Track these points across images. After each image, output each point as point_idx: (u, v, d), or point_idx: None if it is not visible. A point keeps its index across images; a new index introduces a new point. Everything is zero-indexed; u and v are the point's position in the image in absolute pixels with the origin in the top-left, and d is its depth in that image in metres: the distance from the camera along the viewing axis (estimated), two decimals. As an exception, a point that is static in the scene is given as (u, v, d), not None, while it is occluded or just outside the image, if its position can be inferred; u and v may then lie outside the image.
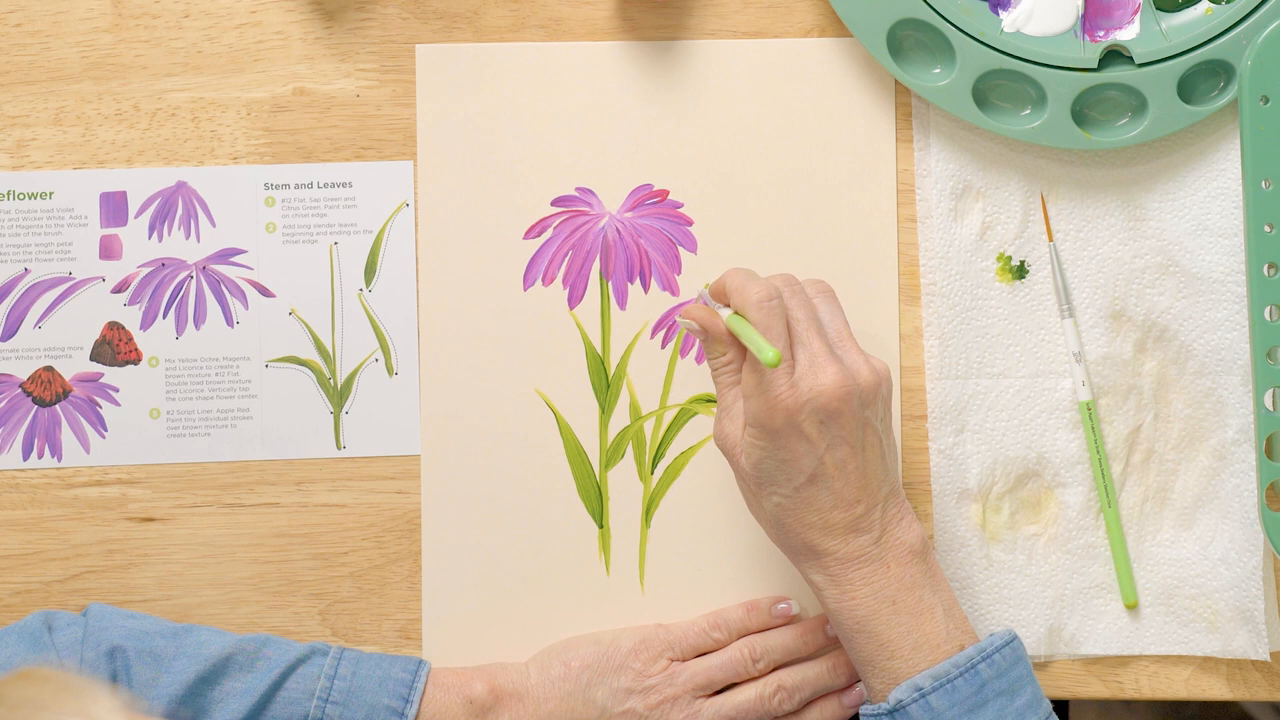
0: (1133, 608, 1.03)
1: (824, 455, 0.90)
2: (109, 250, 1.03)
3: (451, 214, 1.03)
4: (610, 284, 1.03)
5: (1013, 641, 0.92)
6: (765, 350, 0.87)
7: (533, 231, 1.03)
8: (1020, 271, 1.03)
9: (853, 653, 0.93)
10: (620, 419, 1.03)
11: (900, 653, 0.91)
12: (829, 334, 0.93)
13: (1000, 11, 1.01)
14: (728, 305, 0.95)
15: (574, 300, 1.03)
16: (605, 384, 1.03)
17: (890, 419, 0.94)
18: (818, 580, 0.93)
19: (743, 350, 0.93)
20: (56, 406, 1.03)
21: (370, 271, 1.03)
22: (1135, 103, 1.01)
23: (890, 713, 0.90)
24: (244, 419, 1.03)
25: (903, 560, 0.92)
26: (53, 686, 0.65)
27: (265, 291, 1.03)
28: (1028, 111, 1.02)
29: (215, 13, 1.03)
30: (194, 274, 1.03)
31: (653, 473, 1.03)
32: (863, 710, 0.93)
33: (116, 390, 1.03)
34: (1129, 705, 1.57)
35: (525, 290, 1.03)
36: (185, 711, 0.94)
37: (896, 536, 0.92)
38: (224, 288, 1.03)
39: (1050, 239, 1.03)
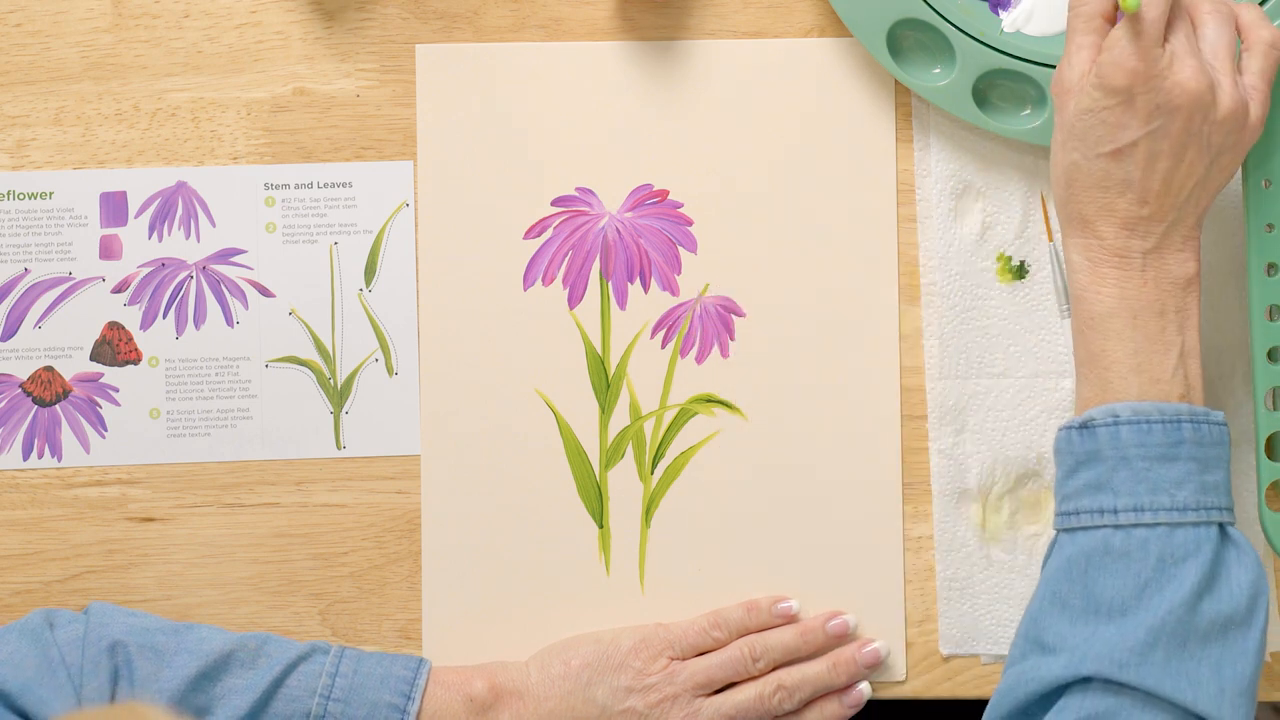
0: (1133, 608, 1.03)
1: (1141, 138, 0.88)
2: (109, 250, 1.03)
3: (451, 214, 1.03)
4: (610, 284, 1.03)
5: (1223, 428, 0.89)
6: None
7: (533, 231, 1.03)
8: (1020, 271, 1.03)
9: (1077, 348, 0.91)
10: (620, 419, 1.03)
11: (1118, 368, 0.89)
12: (1208, 48, 0.89)
13: (1000, 11, 1.01)
14: None
15: (574, 300, 1.03)
16: (605, 384, 1.03)
17: (1231, 161, 0.90)
18: (1075, 259, 0.90)
19: (1107, 2, 0.90)
20: (56, 406, 1.03)
21: (370, 271, 1.03)
22: (1135, 103, 1.01)
23: (1080, 427, 0.88)
24: (244, 419, 1.03)
25: (1163, 284, 0.89)
26: None
27: (265, 291, 1.03)
28: (1028, 111, 1.02)
29: (215, 13, 1.03)
30: (194, 274, 1.03)
31: (653, 473, 1.03)
32: (1059, 431, 0.90)
33: (116, 390, 1.03)
34: (1129, 706, 1.56)
35: (525, 290, 1.03)
36: (188, 707, 0.94)
37: (1169, 261, 0.89)
38: (224, 288, 1.03)
39: (1050, 239, 1.03)
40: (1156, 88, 0.87)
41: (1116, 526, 0.87)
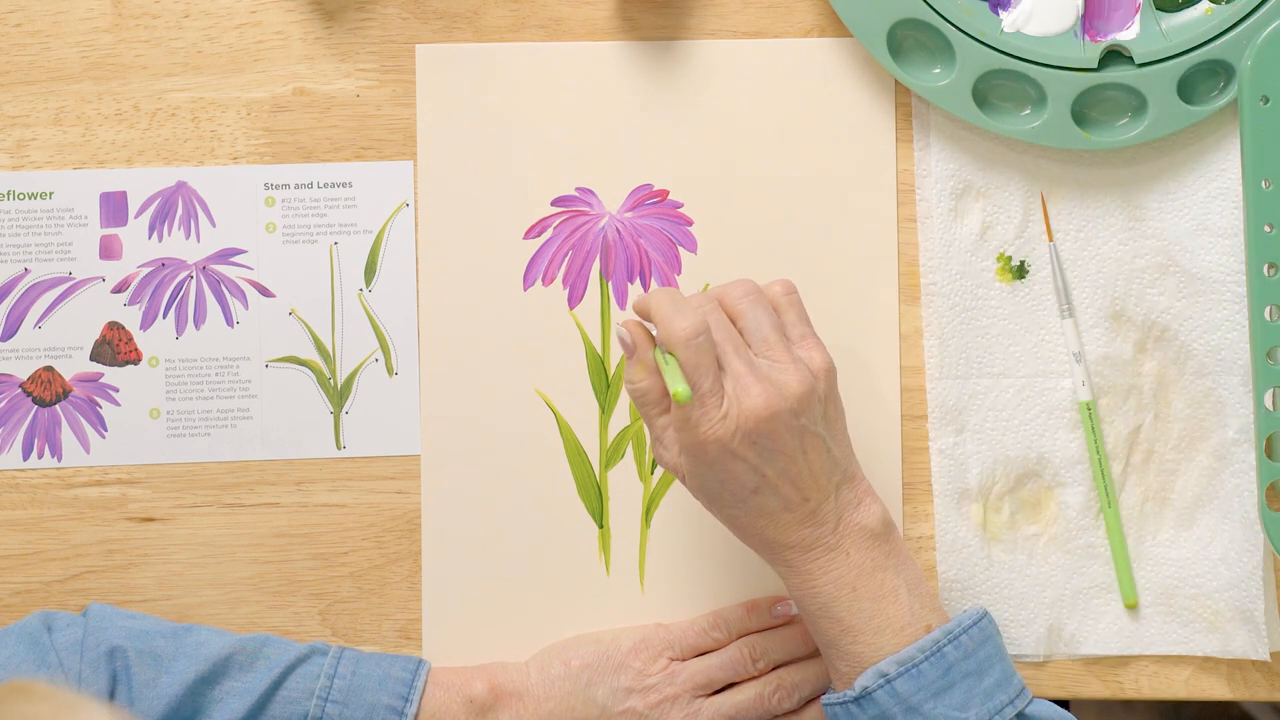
0: (1133, 608, 1.03)
1: (764, 470, 0.89)
2: (109, 250, 1.03)
3: (451, 214, 1.03)
4: (610, 284, 1.03)
5: (981, 620, 0.91)
6: (674, 385, 0.87)
7: (533, 231, 1.03)
8: (1020, 271, 1.03)
9: (816, 636, 0.93)
10: (620, 419, 1.03)
11: (863, 637, 0.90)
12: (755, 344, 0.91)
13: (1000, 11, 1.01)
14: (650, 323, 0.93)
15: (574, 300, 1.03)
16: (605, 384, 1.03)
17: (835, 410, 0.92)
18: (780, 570, 0.93)
19: (661, 380, 0.91)
20: (56, 406, 1.03)
21: (370, 271, 1.03)
22: (1135, 103, 1.01)
23: (856, 699, 0.90)
24: (244, 419, 1.03)
25: (861, 545, 0.91)
26: (51, 704, 0.64)
27: (265, 291, 1.03)
28: (1028, 111, 1.02)
29: (215, 13, 1.03)
30: (194, 274, 1.03)
31: (653, 473, 1.03)
32: (825, 699, 0.92)
33: (116, 390, 1.03)
34: (1129, 705, 1.57)
35: (525, 290, 1.03)
36: (185, 711, 0.94)
37: (854, 521, 0.91)
38: (224, 288, 1.03)
39: (1050, 239, 1.03)
40: (744, 432, 0.88)
41: None
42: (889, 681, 0.89)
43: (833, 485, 0.91)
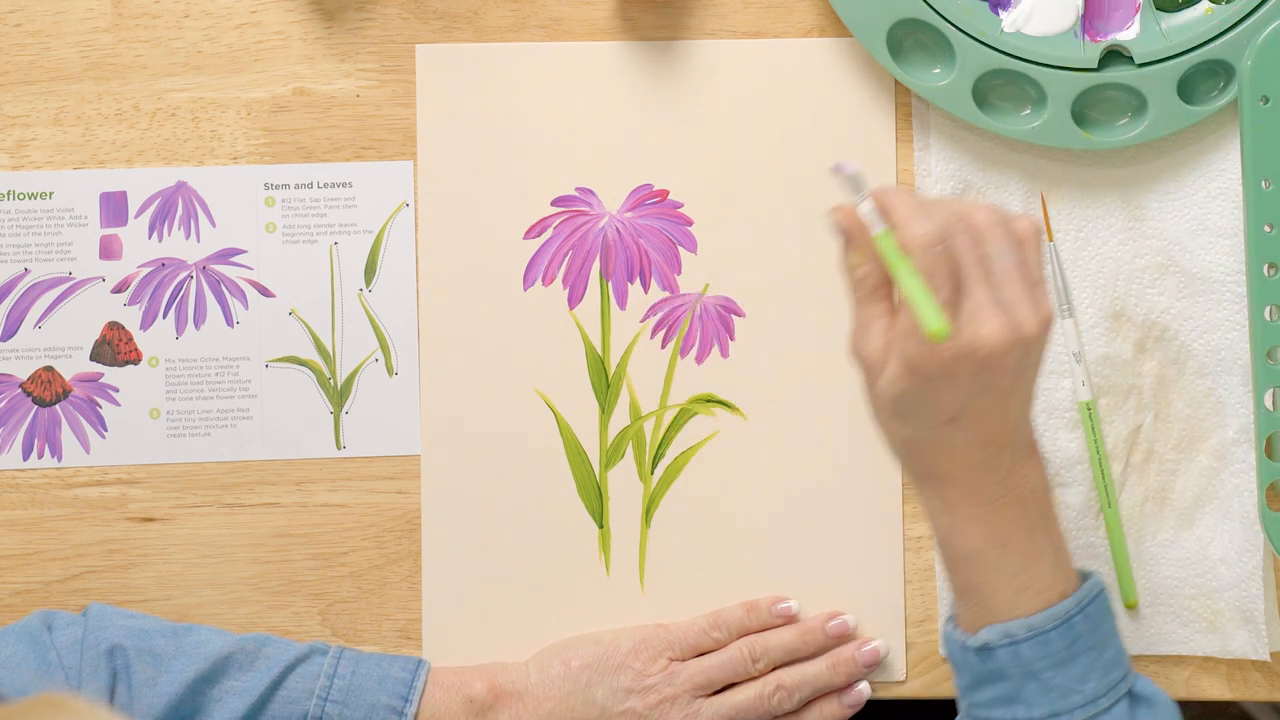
0: (1133, 608, 1.03)
1: (970, 402, 0.85)
2: (109, 250, 1.03)
3: (451, 214, 1.03)
4: (610, 284, 1.03)
5: (1103, 593, 0.89)
6: (931, 320, 0.81)
7: (533, 231, 1.03)
8: (1020, 271, 1.03)
9: (951, 577, 0.90)
10: (620, 419, 1.03)
11: (1001, 593, 0.88)
12: (995, 273, 0.85)
13: (1000, 11, 1.01)
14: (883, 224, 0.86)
15: (574, 300, 1.03)
16: (605, 384, 1.03)
17: (1040, 364, 0.88)
18: (934, 506, 0.89)
19: (882, 266, 0.86)
20: (56, 406, 1.03)
21: (370, 271, 1.03)
22: (1135, 103, 1.00)
23: (977, 650, 0.88)
24: (244, 419, 1.03)
25: (1023, 503, 0.88)
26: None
27: (265, 291, 1.03)
28: (1028, 111, 1.01)
29: (215, 13, 1.03)
30: (194, 274, 1.03)
31: (653, 473, 1.03)
32: (950, 634, 0.90)
33: (116, 390, 1.03)
34: (1129, 705, 1.56)
35: (525, 290, 1.03)
36: (185, 710, 0.94)
37: (1022, 477, 0.88)
38: (224, 288, 1.03)
39: (1050, 239, 1.02)
40: (971, 359, 0.84)
41: None
42: (1014, 644, 0.87)
43: (1016, 437, 0.88)
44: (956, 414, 0.85)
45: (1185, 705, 0.96)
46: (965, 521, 0.88)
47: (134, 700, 0.93)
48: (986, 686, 0.88)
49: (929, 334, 0.81)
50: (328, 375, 1.03)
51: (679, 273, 1.03)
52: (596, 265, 1.03)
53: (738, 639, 1.01)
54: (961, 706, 0.91)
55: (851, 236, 0.87)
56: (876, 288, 0.87)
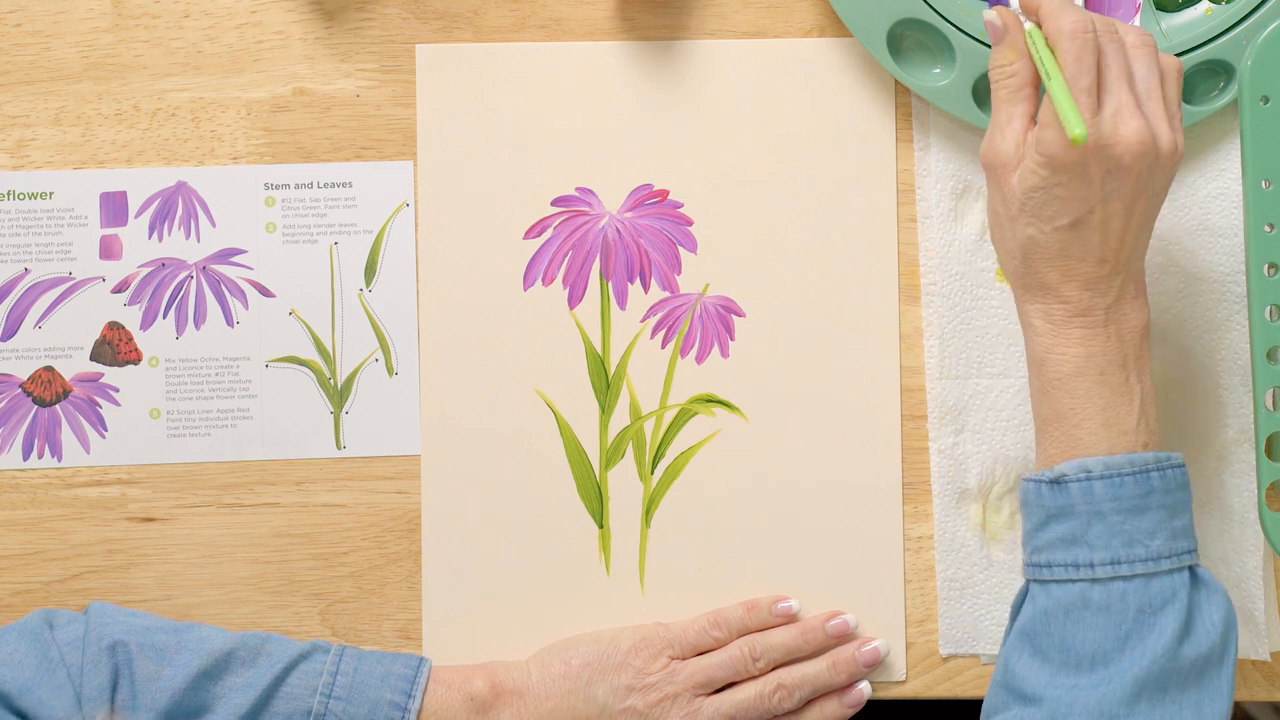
0: (1133, 608, 1.03)
1: (1096, 205, 0.87)
2: (109, 250, 1.03)
3: (451, 214, 1.03)
4: (610, 284, 1.03)
5: (1184, 469, 0.90)
6: (1074, 120, 0.83)
7: (533, 231, 1.03)
8: (1020, 271, 1.03)
9: (1039, 407, 0.91)
10: (620, 419, 1.03)
11: (1086, 425, 0.89)
12: (1139, 88, 0.88)
13: (1000, 11, 1.01)
14: (1034, 21, 0.90)
15: (574, 300, 1.03)
16: (605, 384, 1.03)
17: (1164, 196, 0.90)
18: (1037, 323, 0.90)
19: (1031, 66, 0.89)
20: (56, 406, 1.03)
21: (370, 271, 1.03)
22: (1135, 103, 1.01)
23: (1051, 482, 0.89)
24: (244, 419, 1.03)
25: (1125, 336, 0.89)
26: None
27: (265, 291, 1.03)
28: (1028, 111, 1.01)
29: (215, 13, 1.03)
30: (194, 274, 1.03)
31: (653, 473, 1.03)
32: (1025, 479, 0.91)
33: (116, 390, 1.03)
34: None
35: (525, 290, 1.03)
36: (189, 705, 0.94)
37: (1128, 311, 0.90)
38: (224, 288, 1.03)
39: (1050, 239, 1.02)
40: (1105, 155, 0.86)
41: (1094, 580, 0.88)
42: (1089, 479, 0.88)
43: (1129, 265, 0.89)
44: (1081, 216, 0.87)
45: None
46: (1067, 342, 0.89)
47: (137, 695, 0.93)
48: (1054, 524, 0.88)
49: (1071, 137, 0.83)
50: (328, 375, 1.03)
51: (679, 273, 1.03)
52: (596, 265, 1.03)
53: (738, 638, 1.01)
54: (1026, 556, 0.90)
55: (1005, 32, 0.90)
56: (1020, 88, 0.90)
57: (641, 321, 1.03)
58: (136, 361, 1.03)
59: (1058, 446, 0.90)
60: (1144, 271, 0.91)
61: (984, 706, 0.91)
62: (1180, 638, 0.86)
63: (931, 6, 1.00)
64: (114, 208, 1.03)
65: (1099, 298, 0.89)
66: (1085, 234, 0.88)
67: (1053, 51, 0.87)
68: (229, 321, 1.03)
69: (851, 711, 1.01)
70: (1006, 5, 0.94)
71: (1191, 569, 0.89)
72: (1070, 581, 0.88)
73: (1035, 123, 0.89)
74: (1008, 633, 0.91)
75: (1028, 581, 0.90)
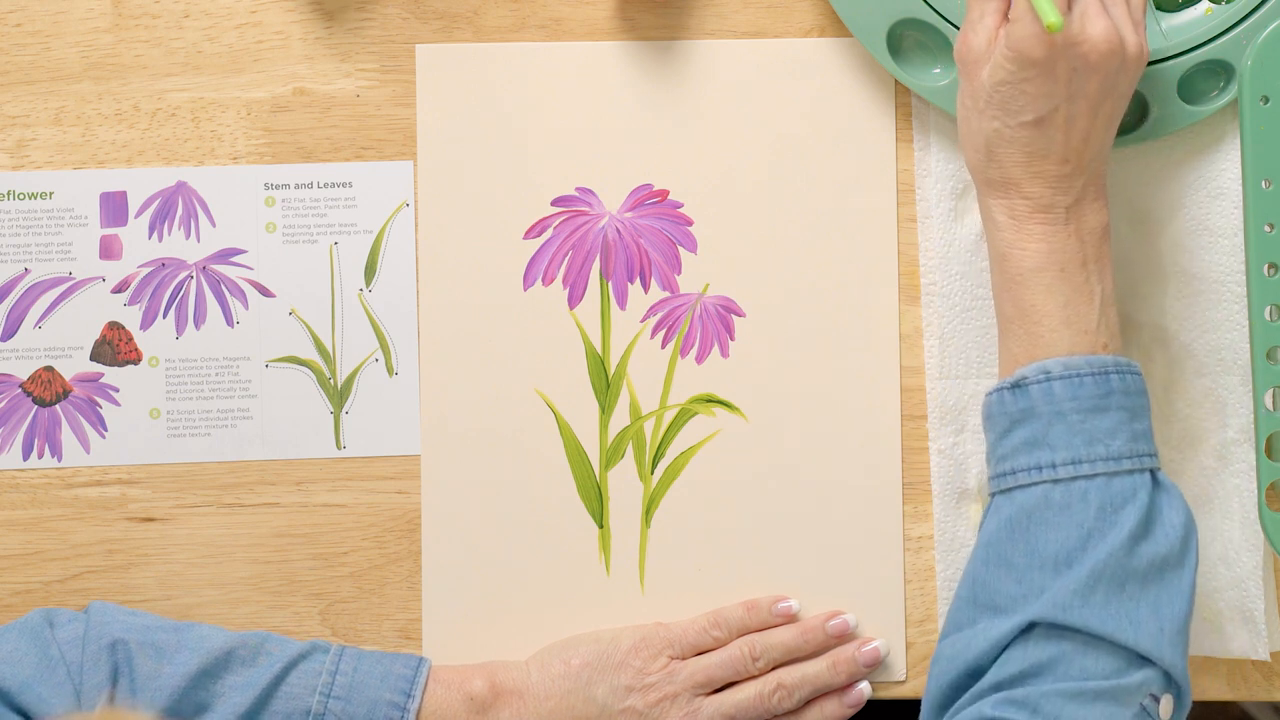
0: (1133, 608, 1.03)
1: (1061, 103, 0.89)
2: (109, 250, 1.03)
3: (451, 214, 1.03)
4: (610, 284, 1.03)
5: (1142, 378, 0.91)
6: (1049, 13, 0.85)
7: (533, 231, 1.03)
8: (1020, 271, 1.03)
9: (1001, 305, 0.92)
10: (620, 419, 1.03)
11: (1048, 321, 0.90)
12: None
13: (1000, 11, 1.01)
14: None
15: (574, 300, 1.03)
16: (605, 384, 1.03)
17: (1126, 102, 0.92)
18: (999, 218, 0.92)
19: None
20: (56, 406, 1.03)
21: (370, 271, 1.03)
22: (1135, 103, 1.00)
23: (1012, 386, 0.90)
24: (244, 419, 1.03)
25: (1084, 236, 0.91)
26: None
27: (265, 291, 1.03)
28: (1028, 111, 1.01)
29: (215, 13, 1.03)
30: (194, 274, 1.03)
31: (653, 473, 1.03)
32: (987, 393, 0.92)
33: (116, 390, 1.03)
34: (1129, 706, 1.56)
35: (525, 290, 1.03)
36: (188, 704, 0.94)
37: (1086, 212, 0.91)
38: (224, 288, 1.03)
39: (1050, 239, 1.02)
40: (1073, 53, 0.88)
41: (1055, 481, 0.89)
42: (1049, 379, 0.89)
43: (1091, 167, 0.91)
44: (1046, 114, 0.89)
45: (1185, 705, 0.95)
46: (1028, 238, 0.90)
47: (137, 693, 0.93)
48: (1017, 430, 0.90)
49: (1046, 24, 0.85)
50: (328, 375, 1.03)
51: (679, 273, 1.03)
52: (596, 265, 1.03)
53: (738, 638, 1.01)
54: (990, 470, 0.91)
55: None
56: None
57: (641, 321, 1.03)
58: (136, 361, 1.03)
59: (1020, 345, 0.91)
60: (1105, 175, 0.93)
61: (945, 625, 0.91)
62: (1137, 535, 0.87)
63: (931, 6, 1.00)
64: (114, 208, 1.03)
65: (1060, 195, 0.90)
66: (1049, 131, 0.89)
67: None
68: (229, 321, 1.03)
69: (851, 711, 1.01)
70: None
71: (1153, 473, 0.90)
72: (1033, 485, 0.89)
73: (1008, 20, 0.90)
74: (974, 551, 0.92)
75: (993, 496, 0.91)
